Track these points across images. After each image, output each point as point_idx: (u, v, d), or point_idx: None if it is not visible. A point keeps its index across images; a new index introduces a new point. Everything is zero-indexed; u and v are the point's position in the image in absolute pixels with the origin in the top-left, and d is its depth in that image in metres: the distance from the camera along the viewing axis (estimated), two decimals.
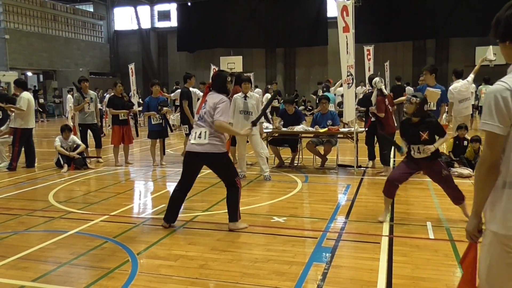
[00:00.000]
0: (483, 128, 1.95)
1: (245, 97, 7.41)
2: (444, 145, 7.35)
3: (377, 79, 7.61)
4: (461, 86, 8.60)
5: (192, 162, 4.79)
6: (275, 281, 3.53)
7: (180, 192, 4.93)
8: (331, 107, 9.97)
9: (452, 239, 4.42)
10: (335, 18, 28.28)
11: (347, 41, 7.58)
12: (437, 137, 4.96)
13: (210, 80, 4.91)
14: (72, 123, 11.15)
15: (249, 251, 4.19)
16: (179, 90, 10.21)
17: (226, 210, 5.43)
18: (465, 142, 7.99)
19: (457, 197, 4.94)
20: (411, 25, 25.99)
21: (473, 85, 10.77)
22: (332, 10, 29.01)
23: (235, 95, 7.57)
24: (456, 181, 7.08)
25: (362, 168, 8.21)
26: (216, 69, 20.68)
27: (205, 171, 8.32)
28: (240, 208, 5.58)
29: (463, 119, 8.61)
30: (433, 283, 3.52)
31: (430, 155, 4.89)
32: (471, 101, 9.45)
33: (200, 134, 4.63)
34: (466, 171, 7.43)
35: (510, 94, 1.88)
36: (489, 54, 9.28)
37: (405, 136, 5.09)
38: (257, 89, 25.88)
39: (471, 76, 8.92)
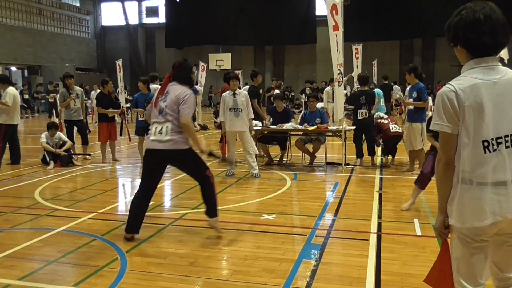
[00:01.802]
0: (434, 128, 2.08)
1: (234, 94, 7.39)
2: (421, 142, 7.43)
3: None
4: None
5: (154, 162, 4.33)
6: (265, 278, 3.54)
7: (140, 200, 4.39)
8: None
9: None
10: (324, 16, 28.39)
11: (337, 40, 7.59)
12: None
13: (172, 70, 4.41)
14: (57, 120, 11.03)
15: (239, 249, 4.19)
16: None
17: (218, 207, 5.43)
18: None
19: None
20: (399, 24, 26.20)
21: None
22: (320, 9, 29.11)
23: (223, 93, 7.57)
24: None
25: (350, 166, 8.26)
26: (205, 66, 20.67)
27: None
28: (229, 206, 5.63)
29: None
30: (421, 279, 3.51)
31: None
32: None
33: (161, 130, 4.18)
34: None
35: (455, 96, 1.99)
36: (504, 54, 9.36)
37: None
38: (246, 86, 25.93)
39: None
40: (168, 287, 3.45)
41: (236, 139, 7.66)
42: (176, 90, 4.25)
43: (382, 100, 10.56)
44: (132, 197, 4.50)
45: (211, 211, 4.50)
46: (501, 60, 9.45)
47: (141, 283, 3.50)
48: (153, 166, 4.36)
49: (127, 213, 5.45)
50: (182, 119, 4.18)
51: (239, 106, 7.33)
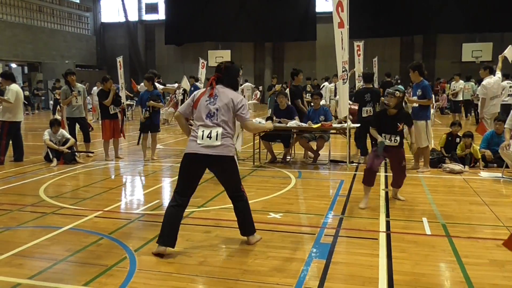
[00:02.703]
0: None
1: None
2: (427, 140, 7.45)
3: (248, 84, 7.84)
4: (494, 83, 8.66)
5: (197, 167, 4.01)
6: (277, 278, 3.51)
7: (178, 208, 4.02)
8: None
9: (449, 235, 4.45)
10: (324, 13, 28.42)
11: (342, 37, 7.55)
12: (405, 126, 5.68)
13: (216, 72, 4.12)
14: (59, 117, 10.97)
15: (248, 248, 4.16)
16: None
17: (222, 206, 5.44)
18: (458, 139, 8.06)
19: (399, 183, 5.74)
20: (399, 21, 26.16)
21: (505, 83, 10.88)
22: (321, 5, 29.06)
23: (197, 92, 7.38)
24: (448, 176, 7.23)
25: (354, 164, 8.23)
26: (205, 62, 20.59)
27: None
28: (230, 205, 5.59)
29: (491, 116, 8.68)
30: (433, 279, 3.54)
31: (398, 144, 5.52)
32: (501, 99, 9.50)
33: (209, 134, 3.89)
34: (457, 167, 7.49)
35: None
36: (509, 54, 9.32)
37: (380, 126, 5.55)
38: (246, 83, 25.86)
39: (499, 74, 8.99)
40: (179, 286, 3.42)
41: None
42: (228, 93, 4.01)
43: None
44: (167, 205, 4.10)
45: (250, 229, 4.25)
46: (505, 59, 9.43)
47: (152, 283, 3.48)
48: (194, 172, 4.04)
49: (133, 212, 5.50)
50: (249, 125, 4.11)
51: None
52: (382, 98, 9.40)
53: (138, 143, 9.33)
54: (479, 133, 8.38)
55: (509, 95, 12.72)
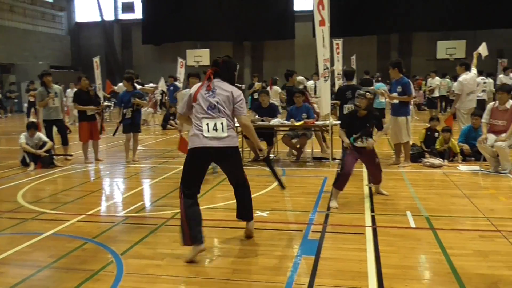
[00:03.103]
0: None
1: None
2: (407, 135, 7.55)
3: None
4: (470, 79, 8.82)
5: (204, 160, 3.96)
6: (268, 276, 3.51)
7: (195, 204, 3.97)
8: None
9: (433, 228, 4.52)
10: (302, 12, 28.58)
11: (323, 35, 7.58)
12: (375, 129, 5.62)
13: (213, 66, 4.08)
14: (35, 119, 10.74)
15: (237, 247, 4.15)
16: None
17: (208, 206, 5.42)
18: (436, 134, 8.20)
19: (378, 180, 5.82)
20: (376, 19, 26.45)
21: (479, 79, 11.09)
22: (299, 4, 29.18)
23: (186, 90, 7.30)
24: (428, 171, 7.35)
25: (337, 161, 8.28)
26: (183, 62, 20.43)
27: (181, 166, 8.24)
28: (221, 204, 5.58)
29: (467, 111, 8.84)
30: (421, 271, 3.60)
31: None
32: (476, 95, 9.68)
33: (215, 126, 3.83)
34: (437, 161, 7.62)
35: None
36: (483, 51, 9.52)
37: (350, 127, 5.54)
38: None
39: (474, 70, 9.16)
40: None
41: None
42: (226, 87, 3.97)
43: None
44: (185, 207, 3.95)
45: (249, 215, 4.30)
46: (479, 56, 9.64)
47: (141, 286, 3.42)
48: (202, 166, 3.99)
49: (117, 215, 5.39)
50: (242, 119, 4.00)
51: None
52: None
53: (114, 135, 9.31)
54: (447, 124, 8.52)
55: (483, 90, 13.02)
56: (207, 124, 3.87)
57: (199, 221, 3.91)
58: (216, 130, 3.85)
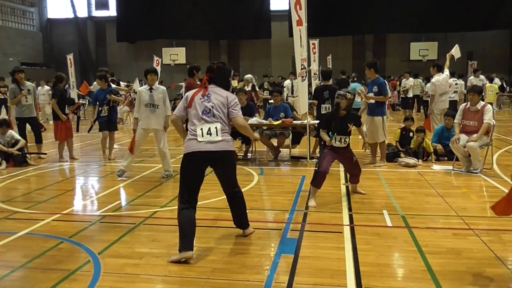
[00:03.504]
0: None
1: (151, 89, 7.06)
2: (384, 135, 7.69)
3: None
4: (443, 80, 9.02)
5: (200, 165, 3.97)
6: (247, 274, 3.51)
7: (189, 211, 3.91)
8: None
9: (409, 226, 4.62)
10: (278, 11, 28.63)
11: (300, 35, 7.64)
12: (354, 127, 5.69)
13: (208, 72, 4.14)
14: (7, 116, 10.46)
15: (216, 246, 4.13)
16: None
17: None
18: (411, 133, 8.36)
19: (356, 179, 5.88)
20: (351, 20, 26.81)
21: (451, 80, 11.35)
22: (275, 3, 29.28)
23: (139, 88, 7.19)
24: (403, 170, 7.49)
25: (314, 160, 8.35)
26: (159, 60, 20.23)
27: (158, 165, 8.17)
28: (200, 203, 5.54)
29: (440, 112, 9.02)
30: (398, 269, 3.67)
31: (346, 144, 5.62)
32: (448, 96, 9.89)
33: (209, 130, 3.89)
34: (412, 160, 7.78)
35: None
36: (456, 53, 9.74)
37: (330, 127, 5.58)
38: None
39: (447, 71, 9.36)
40: None
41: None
42: (220, 92, 4.05)
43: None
44: (180, 213, 3.91)
45: (246, 222, 4.39)
46: (452, 58, 9.88)
47: (119, 285, 3.38)
48: (198, 171, 3.98)
49: (93, 214, 5.31)
50: (239, 121, 4.04)
51: (155, 102, 7.02)
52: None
53: (89, 131, 9.23)
54: (426, 128, 8.72)
55: (455, 91, 13.35)
56: (201, 129, 3.91)
57: (191, 227, 3.87)
58: (210, 134, 3.90)
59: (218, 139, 3.91)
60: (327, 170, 5.52)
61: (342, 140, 5.56)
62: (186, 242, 3.80)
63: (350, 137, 5.69)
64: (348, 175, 6.05)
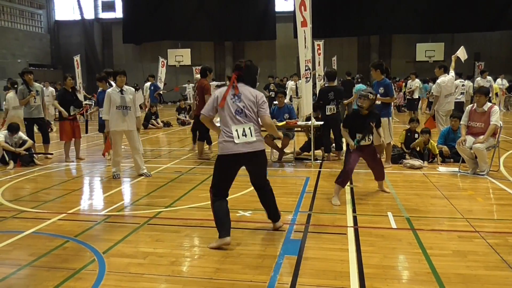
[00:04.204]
0: None
1: (121, 91, 7.07)
2: (389, 136, 7.68)
3: None
4: (448, 81, 8.97)
5: (237, 165, 4.16)
6: (250, 275, 3.52)
7: (223, 201, 4.21)
8: None
9: (413, 228, 4.60)
10: (283, 12, 28.66)
11: (305, 36, 7.64)
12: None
13: (236, 70, 4.24)
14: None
15: (219, 246, 4.14)
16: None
17: (190, 206, 5.42)
18: (416, 135, 8.34)
19: (382, 175, 6.06)
20: (356, 21, 26.79)
21: (458, 81, 11.35)
22: (280, 5, 29.31)
23: (108, 90, 7.21)
24: (409, 172, 7.46)
25: (318, 161, 8.36)
26: (165, 61, 20.30)
27: (163, 165, 8.20)
28: (203, 203, 5.58)
29: (446, 113, 8.99)
30: (402, 271, 3.66)
31: (370, 141, 5.77)
32: (454, 97, 9.86)
33: (244, 132, 4.04)
34: (417, 162, 7.75)
35: None
36: (462, 54, 9.70)
37: (353, 126, 5.73)
38: (214, 82, 25.67)
39: (452, 73, 9.33)
40: (151, 287, 3.36)
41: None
42: (249, 91, 4.16)
43: None
44: (216, 206, 4.18)
45: (278, 215, 4.55)
46: (458, 59, 9.83)
47: (123, 285, 3.40)
48: (234, 171, 4.18)
49: (98, 213, 5.33)
50: (267, 119, 4.17)
51: (127, 104, 7.06)
52: (347, 100, 9.61)
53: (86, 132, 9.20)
54: (428, 126, 8.68)
55: (461, 93, 13.29)
56: (237, 130, 4.05)
57: (226, 215, 4.15)
58: (246, 135, 4.06)
59: (253, 140, 4.08)
60: (352, 168, 5.70)
61: (366, 138, 5.71)
62: (224, 230, 4.05)
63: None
64: (354, 176, 6.07)
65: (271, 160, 8.61)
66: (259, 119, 4.20)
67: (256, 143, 4.08)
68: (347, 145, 5.86)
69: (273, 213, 4.55)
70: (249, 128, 4.05)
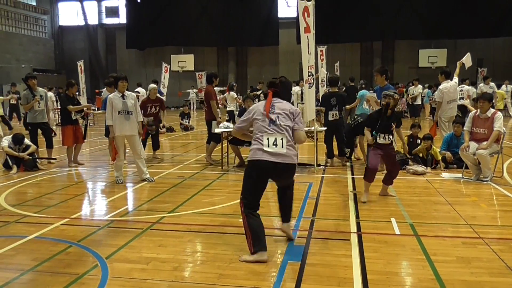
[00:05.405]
0: None
1: (123, 96, 7.15)
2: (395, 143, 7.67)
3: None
4: (451, 87, 8.97)
5: (266, 173, 4.06)
6: (253, 281, 3.51)
7: (256, 215, 4.10)
8: None
9: (417, 234, 4.58)
10: (286, 18, 28.74)
11: (308, 42, 7.65)
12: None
13: (272, 87, 4.29)
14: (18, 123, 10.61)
15: (222, 252, 4.14)
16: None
17: (193, 211, 5.41)
18: (418, 140, 8.32)
19: (391, 181, 6.12)
20: (359, 27, 26.82)
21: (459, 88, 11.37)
22: (283, 11, 29.41)
23: (110, 95, 7.26)
24: (412, 178, 7.44)
25: (321, 167, 8.35)
26: (168, 67, 20.37)
27: (166, 171, 8.20)
28: (206, 209, 5.57)
29: (448, 119, 8.99)
30: (406, 277, 3.64)
31: (390, 141, 5.97)
32: (457, 103, 9.86)
33: (275, 141, 4.01)
34: (420, 168, 7.73)
35: None
36: (467, 61, 9.70)
37: (375, 126, 5.93)
38: (216, 88, 25.74)
39: (455, 79, 9.33)
40: None
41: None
42: (285, 105, 4.21)
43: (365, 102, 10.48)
44: (249, 219, 4.07)
45: (289, 215, 4.49)
46: (463, 66, 9.83)
47: None
48: (261, 178, 4.08)
49: (101, 218, 5.33)
50: (301, 135, 4.17)
51: (129, 108, 7.13)
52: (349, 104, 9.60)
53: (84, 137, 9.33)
54: (432, 133, 8.67)
55: (460, 98, 13.29)
56: (268, 139, 4.03)
57: (261, 232, 4.05)
58: (276, 145, 4.01)
59: (283, 151, 4.00)
60: (376, 165, 5.90)
61: (386, 137, 5.87)
62: (260, 245, 3.96)
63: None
64: (357, 182, 6.08)
65: None
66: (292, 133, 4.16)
67: (286, 155, 4.01)
68: (368, 144, 6.06)
69: (286, 213, 4.49)
70: (281, 139, 4.02)
